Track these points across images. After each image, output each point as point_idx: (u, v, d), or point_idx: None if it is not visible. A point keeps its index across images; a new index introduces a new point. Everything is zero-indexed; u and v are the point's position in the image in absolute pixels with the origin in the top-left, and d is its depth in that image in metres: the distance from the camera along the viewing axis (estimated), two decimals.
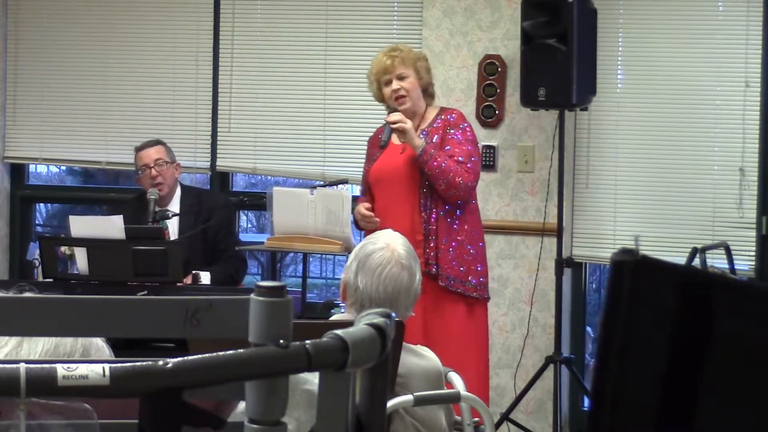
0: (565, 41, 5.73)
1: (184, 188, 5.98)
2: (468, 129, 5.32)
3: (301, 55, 6.64)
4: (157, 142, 5.95)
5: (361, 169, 6.23)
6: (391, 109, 5.26)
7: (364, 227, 5.36)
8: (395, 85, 5.29)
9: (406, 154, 5.24)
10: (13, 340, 1.88)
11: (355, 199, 5.51)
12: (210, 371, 1.35)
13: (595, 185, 6.22)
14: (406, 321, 3.31)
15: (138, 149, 5.94)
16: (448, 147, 5.23)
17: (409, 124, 5.17)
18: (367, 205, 5.33)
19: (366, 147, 5.57)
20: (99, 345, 1.96)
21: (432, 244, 5.17)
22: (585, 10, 5.83)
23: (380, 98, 5.40)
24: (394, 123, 5.16)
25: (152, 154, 5.85)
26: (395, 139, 5.30)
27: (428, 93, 5.40)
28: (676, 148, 6.07)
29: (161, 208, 5.79)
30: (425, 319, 5.11)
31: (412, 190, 5.23)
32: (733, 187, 5.93)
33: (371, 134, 5.58)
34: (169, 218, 5.77)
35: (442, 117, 5.33)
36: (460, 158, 5.19)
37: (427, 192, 5.21)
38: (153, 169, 5.80)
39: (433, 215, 5.21)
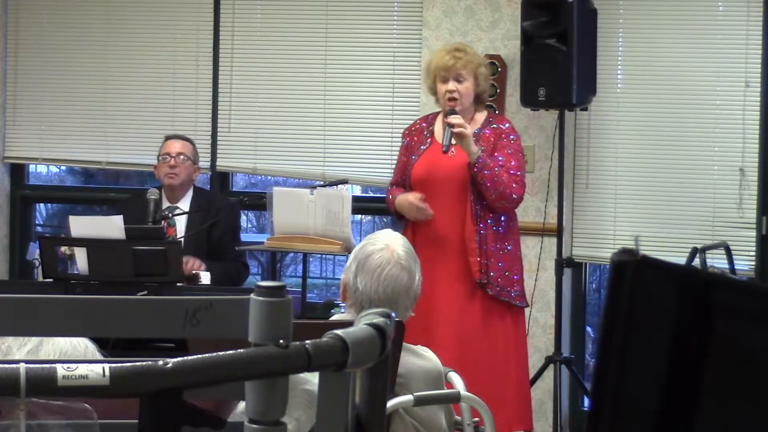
0: (565, 41, 5.73)
1: (196, 189, 6.01)
2: (518, 140, 5.33)
3: (301, 55, 6.63)
4: (188, 139, 6.01)
5: (361, 169, 6.23)
6: (450, 110, 5.21)
7: (415, 218, 5.25)
8: (451, 85, 5.25)
9: (456, 157, 5.17)
10: (33, 341, 1.88)
11: (400, 195, 5.36)
12: (210, 371, 1.36)
13: (595, 185, 6.22)
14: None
15: (167, 137, 6.01)
16: (501, 157, 5.19)
17: (469, 130, 5.13)
18: (419, 195, 5.22)
19: (402, 138, 5.52)
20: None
21: (484, 253, 5.15)
22: (585, 10, 5.83)
23: (434, 92, 5.37)
24: (454, 126, 5.11)
25: (177, 146, 5.90)
26: (438, 137, 5.29)
27: (481, 100, 5.37)
28: (676, 148, 6.06)
29: (171, 205, 5.83)
30: (473, 327, 5.11)
31: (464, 195, 5.18)
32: (733, 187, 5.93)
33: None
34: (169, 217, 5.78)
35: (494, 125, 5.30)
36: (511, 171, 5.17)
37: (477, 199, 5.17)
38: (174, 159, 5.83)
39: (482, 223, 5.18)
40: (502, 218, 5.24)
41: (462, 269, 5.15)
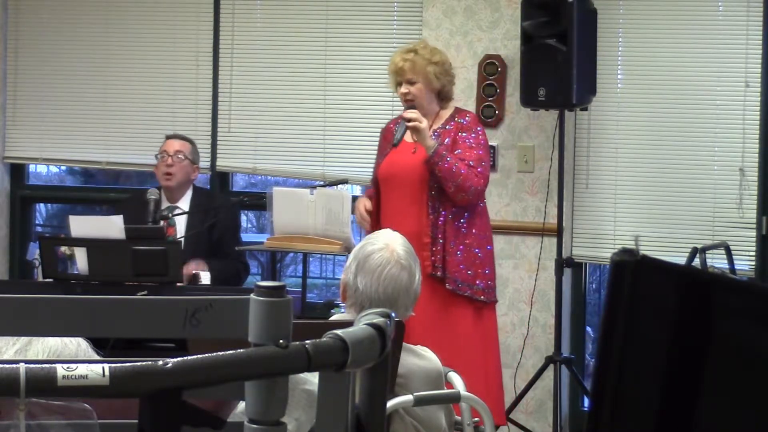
0: (565, 41, 5.73)
1: (196, 189, 6.02)
2: (481, 133, 5.33)
3: (301, 55, 6.63)
4: (188, 139, 6.03)
5: (361, 169, 6.24)
6: (409, 106, 5.26)
7: (359, 223, 5.40)
8: (404, 88, 5.30)
9: (418, 154, 5.21)
10: (21, 340, 1.88)
11: (358, 197, 5.48)
12: (210, 371, 1.36)
13: (595, 185, 6.22)
14: (406, 321, 3.31)
15: (167, 136, 6.04)
16: (459, 150, 5.22)
17: (424, 123, 5.16)
18: (369, 205, 5.34)
19: (378, 139, 5.56)
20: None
21: (439, 248, 5.17)
22: (585, 10, 5.83)
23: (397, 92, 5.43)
24: (410, 120, 5.16)
25: (176, 145, 5.93)
26: (408, 136, 5.31)
27: (442, 96, 5.38)
28: (676, 148, 6.06)
29: (170, 205, 5.84)
30: (432, 323, 5.11)
31: (422, 191, 5.22)
32: (733, 187, 5.93)
33: (373, 134, 5.57)
34: (169, 217, 5.78)
35: (456, 119, 5.34)
36: (470, 162, 5.18)
37: (436, 194, 5.19)
38: (171, 158, 5.84)
39: (441, 218, 5.20)
40: (466, 214, 5.24)
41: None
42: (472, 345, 5.20)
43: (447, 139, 5.25)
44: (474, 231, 5.25)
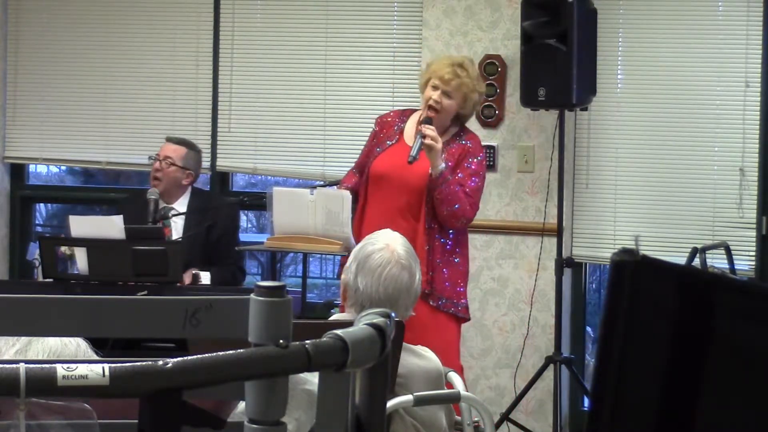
0: (565, 41, 5.73)
1: (194, 191, 5.98)
2: (483, 160, 5.32)
3: (301, 55, 6.63)
4: (185, 144, 5.96)
5: None
6: (427, 119, 5.21)
7: None
8: (437, 96, 5.23)
9: (418, 164, 5.14)
10: (22, 340, 1.88)
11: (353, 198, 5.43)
12: (210, 371, 1.35)
13: (595, 185, 6.22)
14: (406, 321, 3.31)
15: (167, 139, 6.01)
16: (461, 175, 5.20)
17: (440, 144, 5.10)
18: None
19: (374, 124, 5.50)
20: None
21: (430, 264, 5.14)
22: (585, 10, 5.83)
23: (424, 88, 5.36)
24: (426, 137, 5.09)
25: (168, 150, 5.90)
26: (407, 137, 5.28)
27: (460, 119, 5.34)
28: (676, 148, 6.07)
29: (165, 206, 5.82)
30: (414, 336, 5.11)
31: (420, 201, 5.18)
32: (733, 187, 5.93)
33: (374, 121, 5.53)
34: (168, 218, 5.78)
35: (462, 140, 5.28)
36: (468, 191, 5.17)
37: (432, 211, 5.18)
38: (159, 162, 5.83)
39: (434, 234, 5.17)
40: (450, 233, 5.22)
41: None
42: (450, 360, 5.17)
43: (449, 159, 5.19)
44: (458, 249, 5.25)
